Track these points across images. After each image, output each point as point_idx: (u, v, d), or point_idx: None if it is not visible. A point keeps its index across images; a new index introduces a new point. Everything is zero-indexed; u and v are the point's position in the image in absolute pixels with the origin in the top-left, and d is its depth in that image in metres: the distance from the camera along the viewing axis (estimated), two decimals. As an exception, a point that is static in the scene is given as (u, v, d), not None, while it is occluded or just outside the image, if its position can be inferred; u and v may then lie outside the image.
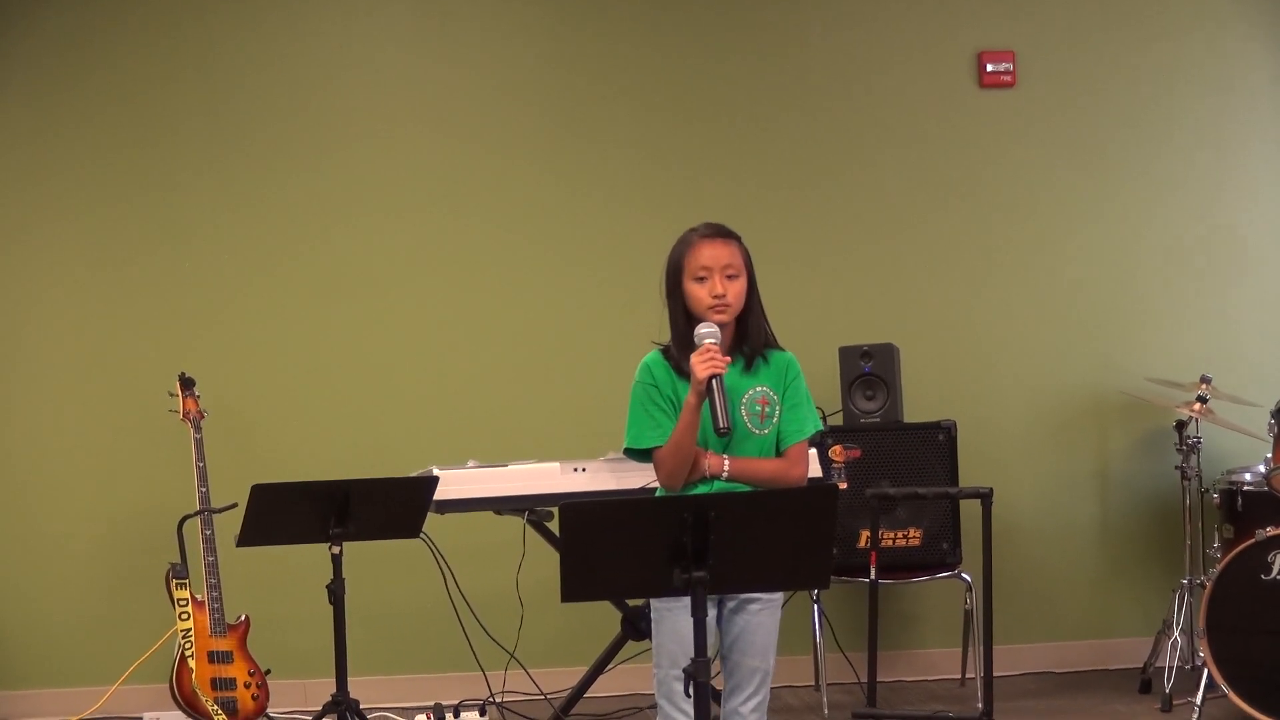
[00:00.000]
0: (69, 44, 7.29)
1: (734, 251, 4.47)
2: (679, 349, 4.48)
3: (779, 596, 4.53)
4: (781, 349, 4.58)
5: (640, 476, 5.64)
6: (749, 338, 4.50)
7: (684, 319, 4.49)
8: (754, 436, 4.49)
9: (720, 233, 4.51)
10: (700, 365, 4.31)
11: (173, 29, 7.33)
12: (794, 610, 7.06)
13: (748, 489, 4.43)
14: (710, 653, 4.32)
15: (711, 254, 4.45)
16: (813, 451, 6.29)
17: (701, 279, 4.44)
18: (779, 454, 4.54)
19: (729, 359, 4.39)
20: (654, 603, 4.47)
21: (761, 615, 4.48)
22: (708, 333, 4.39)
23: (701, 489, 4.44)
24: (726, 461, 4.44)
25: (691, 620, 3.83)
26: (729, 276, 4.45)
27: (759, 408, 4.48)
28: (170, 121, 7.32)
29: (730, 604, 4.47)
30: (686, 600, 4.27)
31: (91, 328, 7.29)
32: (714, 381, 4.32)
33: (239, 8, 7.37)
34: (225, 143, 7.35)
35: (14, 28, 7.26)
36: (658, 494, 4.56)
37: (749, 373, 4.50)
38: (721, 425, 4.31)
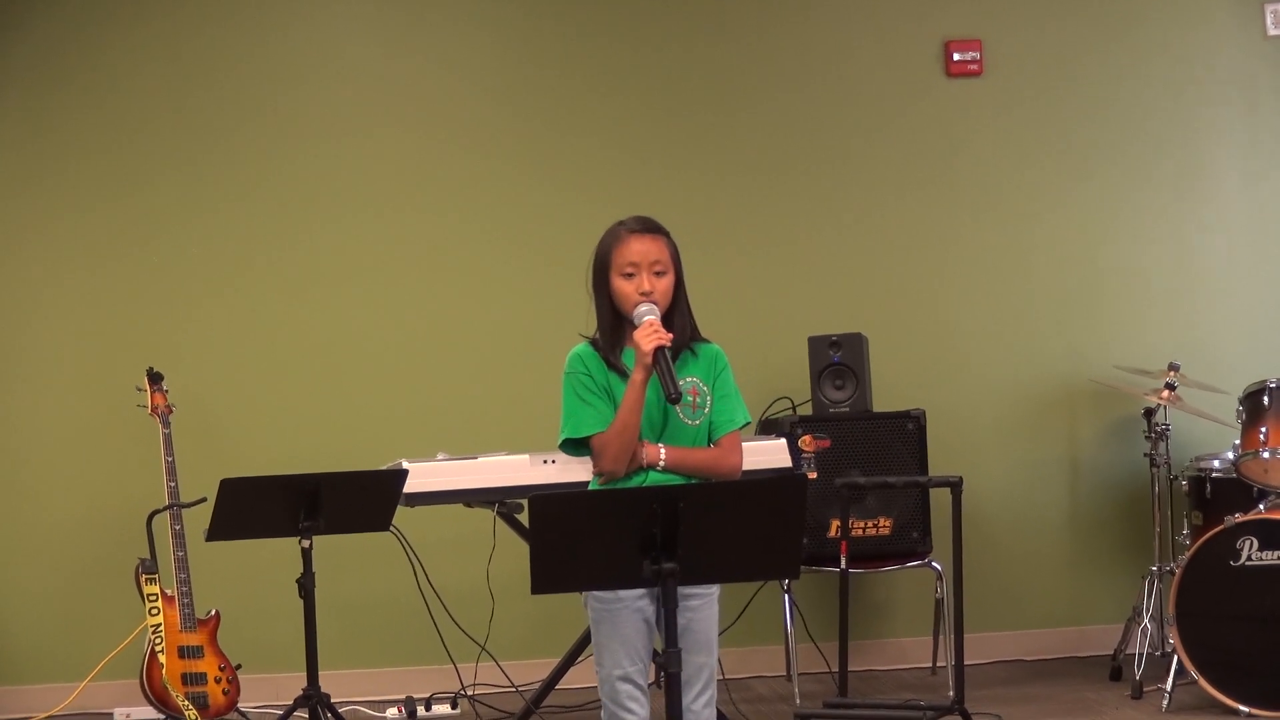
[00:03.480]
0: (37, 45, 7.24)
1: (662, 247, 4.39)
2: (608, 342, 4.42)
3: (716, 589, 4.43)
4: (707, 341, 4.50)
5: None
6: (675, 333, 4.38)
7: (611, 313, 4.43)
8: (687, 428, 4.41)
9: (649, 227, 4.41)
10: (645, 339, 4.25)
11: (142, 25, 7.28)
12: (765, 600, 7.07)
13: (683, 480, 4.35)
14: (648, 653, 4.29)
15: (640, 249, 4.37)
16: (782, 441, 6.31)
17: (629, 275, 4.37)
18: (710, 444, 4.46)
19: (670, 334, 4.32)
20: (591, 604, 4.40)
21: (701, 610, 4.37)
22: (646, 310, 4.32)
23: (637, 480, 4.36)
24: (663, 450, 4.37)
25: (632, 620, 3.80)
26: (656, 273, 4.37)
27: (690, 398, 4.39)
28: (138, 119, 7.28)
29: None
30: (626, 600, 4.28)
31: (59, 323, 7.25)
32: (660, 353, 4.25)
33: (208, 3, 7.34)
34: (193, 140, 7.31)
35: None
36: (591, 486, 4.49)
37: (677, 366, 4.38)
38: (672, 392, 4.23)
